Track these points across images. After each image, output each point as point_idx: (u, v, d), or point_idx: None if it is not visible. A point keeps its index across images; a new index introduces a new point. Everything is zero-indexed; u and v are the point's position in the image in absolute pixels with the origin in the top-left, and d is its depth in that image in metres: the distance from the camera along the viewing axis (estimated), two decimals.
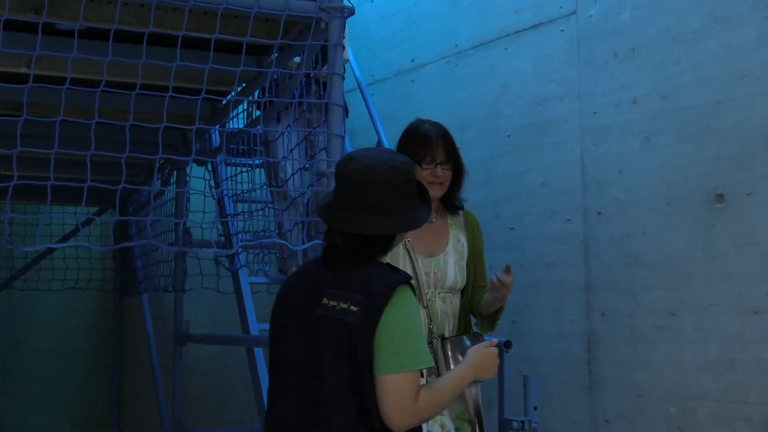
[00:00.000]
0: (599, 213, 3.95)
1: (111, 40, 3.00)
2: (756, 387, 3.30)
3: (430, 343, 2.86)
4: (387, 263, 2.33)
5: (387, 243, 2.32)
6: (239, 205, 4.72)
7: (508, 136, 4.47)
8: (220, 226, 4.66)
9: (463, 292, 3.05)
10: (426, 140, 2.97)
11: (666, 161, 3.68)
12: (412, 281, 2.36)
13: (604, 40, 3.99)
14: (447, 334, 2.95)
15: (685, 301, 3.55)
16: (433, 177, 2.94)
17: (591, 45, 4.06)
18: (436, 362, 2.86)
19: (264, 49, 3.63)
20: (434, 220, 3.03)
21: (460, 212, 3.12)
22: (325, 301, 2.24)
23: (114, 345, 7.22)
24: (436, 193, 2.95)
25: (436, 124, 3.03)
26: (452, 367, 2.77)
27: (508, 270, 2.87)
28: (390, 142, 4.64)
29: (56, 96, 3.08)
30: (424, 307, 2.92)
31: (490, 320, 3.07)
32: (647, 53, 3.79)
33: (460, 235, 3.07)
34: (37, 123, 3.01)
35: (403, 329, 2.19)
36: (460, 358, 2.79)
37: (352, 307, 2.19)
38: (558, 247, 4.14)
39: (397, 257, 2.91)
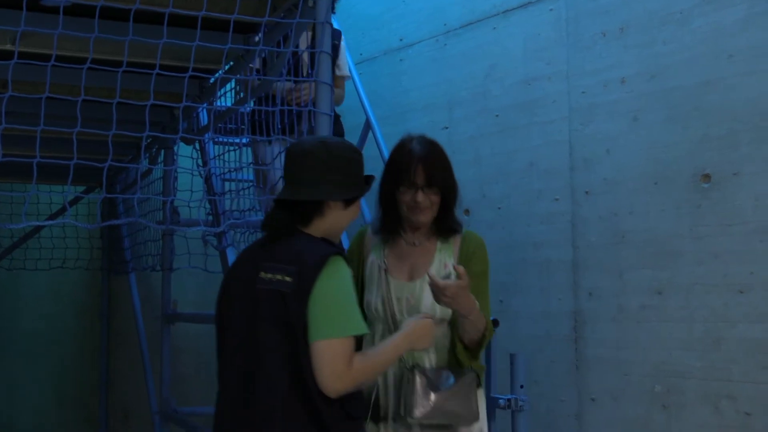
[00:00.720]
0: (587, 192, 3.96)
1: (97, 17, 2.98)
2: (740, 365, 3.33)
3: (402, 376, 2.67)
4: (322, 238, 2.45)
5: (308, 212, 2.44)
6: (227, 183, 4.70)
7: (497, 115, 4.47)
8: (207, 205, 4.65)
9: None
10: (406, 161, 2.70)
11: (653, 141, 3.69)
12: (379, 306, 2.65)
13: (592, 20, 3.99)
14: (428, 365, 2.69)
15: (671, 280, 3.57)
16: (413, 202, 2.69)
17: (579, 24, 4.06)
18: (400, 393, 2.67)
19: (251, 27, 3.61)
20: (417, 243, 2.79)
21: (459, 236, 2.81)
22: (262, 275, 2.37)
23: (101, 324, 7.22)
24: (419, 218, 2.72)
25: (424, 142, 2.74)
26: (417, 402, 2.61)
27: (460, 275, 2.55)
28: (378, 121, 4.64)
29: (41, 73, 3.05)
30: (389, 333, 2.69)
31: (470, 349, 2.72)
32: (636, 33, 3.79)
33: (448, 261, 2.76)
34: (22, 101, 2.99)
35: (335, 297, 2.31)
36: (431, 397, 2.62)
37: (287, 278, 2.32)
38: (545, 226, 4.16)
39: (372, 278, 2.77)
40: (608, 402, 3.79)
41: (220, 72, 3.95)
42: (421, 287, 2.69)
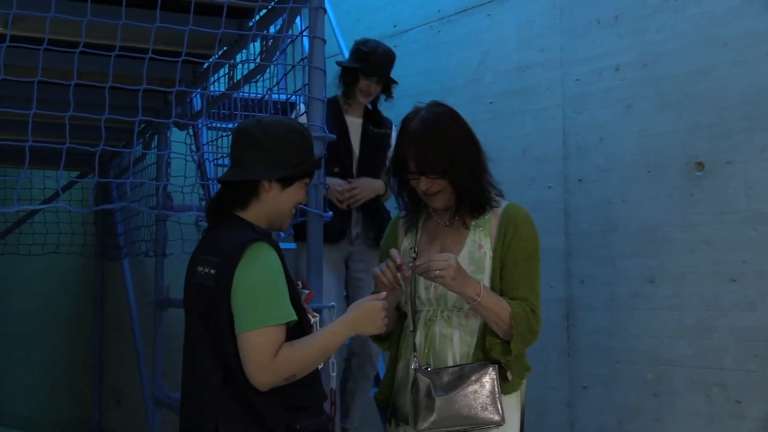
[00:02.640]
0: (580, 180, 3.96)
1: (89, 1, 2.96)
2: (731, 353, 3.34)
3: (415, 380, 2.38)
4: (251, 223, 2.35)
5: (243, 195, 2.35)
6: (220, 169, 4.69)
7: (490, 102, 4.47)
8: (200, 190, 4.64)
9: None
10: (401, 147, 2.46)
11: (646, 129, 3.69)
12: (405, 299, 2.44)
13: (586, 7, 3.99)
14: (452, 363, 2.42)
15: (663, 268, 3.58)
16: (419, 189, 2.47)
17: (573, 12, 4.05)
18: (394, 400, 2.50)
19: (245, 12, 3.60)
20: (449, 222, 2.54)
21: (497, 210, 2.52)
22: (198, 268, 2.33)
23: (95, 310, 7.21)
24: (434, 205, 2.51)
25: (426, 120, 2.44)
26: (420, 412, 2.37)
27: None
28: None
29: (34, 57, 3.05)
30: (411, 330, 2.48)
31: (503, 342, 2.40)
32: (629, 21, 3.79)
33: (483, 241, 2.47)
34: (14, 84, 2.98)
35: (256, 285, 2.22)
36: (436, 403, 2.36)
37: (211, 270, 2.27)
38: (538, 214, 4.12)
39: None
40: (600, 390, 3.81)
41: (214, 57, 3.94)
42: None
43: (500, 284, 2.43)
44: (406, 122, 2.49)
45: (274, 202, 2.38)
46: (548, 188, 4.10)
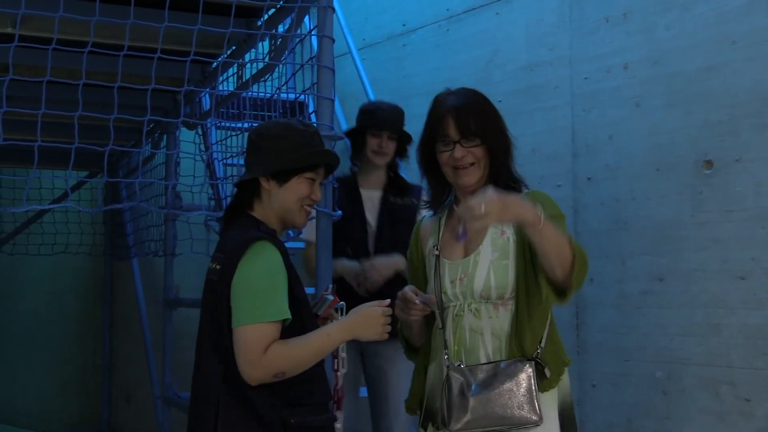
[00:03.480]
0: (589, 179, 3.96)
1: (98, 0, 2.98)
2: (740, 351, 3.34)
3: (447, 376, 2.30)
4: (258, 221, 2.41)
5: (247, 196, 2.44)
6: (229, 168, 4.71)
7: (499, 101, 4.42)
8: (210, 190, 4.66)
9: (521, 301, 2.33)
10: (436, 114, 2.40)
11: (655, 127, 3.69)
12: (433, 296, 2.38)
13: (595, 5, 3.99)
14: (484, 359, 2.32)
15: (672, 266, 3.58)
16: (452, 161, 2.36)
17: (582, 10, 4.05)
18: (429, 404, 2.41)
19: (254, 11, 3.61)
20: None
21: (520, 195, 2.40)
22: (210, 265, 2.42)
23: (104, 309, 7.24)
24: (464, 180, 2.38)
25: (461, 92, 2.42)
26: (453, 411, 2.28)
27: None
28: None
29: (42, 57, 3.06)
30: (440, 328, 2.40)
31: (561, 280, 2.26)
32: (638, 18, 3.78)
33: (506, 226, 2.38)
34: (23, 84, 3.00)
35: (255, 281, 2.26)
36: (470, 402, 2.25)
37: (217, 266, 2.35)
38: None
39: (430, 268, 2.48)
40: (609, 388, 3.81)
41: (222, 56, 3.96)
42: (474, 262, 2.36)
43: (534, 260, 2.29)
44: (439, 97, 2.45)
45: (276, 200, 2.43)
46: (557, 186, 4.10)
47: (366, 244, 3.61)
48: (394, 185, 3.74)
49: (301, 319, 2.34)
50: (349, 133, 3.78)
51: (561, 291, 2.26)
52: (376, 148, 3.65)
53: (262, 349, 2.21)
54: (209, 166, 4.70)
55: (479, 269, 2.36)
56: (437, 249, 2.47)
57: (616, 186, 3.83)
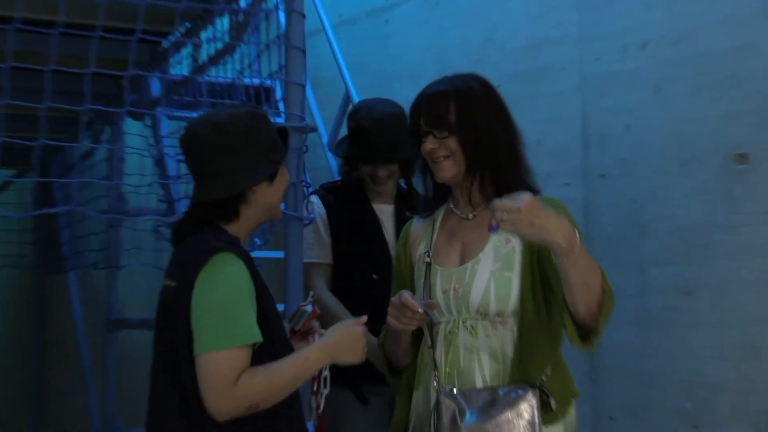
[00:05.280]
0: (602, 175, 3.97)
1: None
2: None
3: (437, 402, 2.31)
4: (221, 230, 2.38)
5: (231, 207, 2.38)
6: (183, 165, 4.68)
7: (497, 86, 4.44)
8: (160, 191, 4.63)
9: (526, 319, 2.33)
10: (413, 102, 2.48)
11: (679, 115, 3.69)
12: (435, 301, 2.37)
13: None
14: (481, 385, 2.33)
15: (701, 277, 3.58)
16: (426, 153, 2.43)
17: None
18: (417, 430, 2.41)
19: None
20: (471, 215, 2.49)
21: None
22: (164, 281, 2.38)
23: (33, 332, 7.17)
24: (438, 174, 2.44)
25: (451, 78, 2.49)
26: None
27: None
28: (361, 92, 4.63)
29: None
30: (430, 346, 2.42)
31: (585, 323, 2.26)
32: None
33: (511, 234, 2.34)
34: None
35: (217, 300, 2.23)
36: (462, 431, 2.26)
37: (172, 283, 2.31)
38: None
39: (420, 275, 2.50)
40: (629, 420, 3.81)
41: (175, 35, 3.93)
42: (473, 271, 2.36)
43: (551, 279, 2.30)
44: (431, 84, 2.51)
45: (265, 200, 2.43)
46: (565, 185, 4.10)
47: (389, 263, 3.28)
48: (407, 198, 3.60)
49: (272, 340, 2.32)
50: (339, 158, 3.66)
51: (583, 333, 2.28)
52: (370, 178, 3.53)
53: (232, 378, 2.17)
54: (159, 162, 4.67)
55: (477, 279, 2.36)
56: (429, 255, 2.47)
57: (634, 184, 3.84)
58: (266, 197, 2.44)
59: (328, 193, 3.59)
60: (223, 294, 2.24)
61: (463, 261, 2.42)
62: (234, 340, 2.20)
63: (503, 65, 4.44)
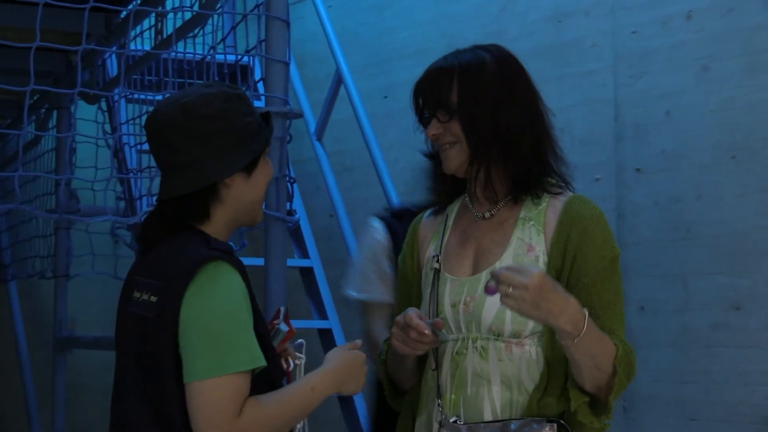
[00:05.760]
0: (638, 170, 3.96)
1: None
2: None
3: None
4: (207, 235, 2.33)
5: (200, 204, 2.34)
6: (144, 157, 4.68)
7: None
8: (119, 186, 4.63)
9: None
10: (416, 83, 2.43)
11: (730, 100, 3.69)
12: (441, 319, 2.30)
13: None
14: (490, 416, 2.30)
15: (754, 290, 3.58)
16: (432, 139, 2.41)
17: None
18: None
19: None
20: (488, 213, 2.43)
21: (560, 199, 2.39)
22: (135, 294, 2.31)
23: None
24: (446, 164, 2.41)
25: (463, 51, 2.43)
26: None
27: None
28: (355, 71, 4.62)
29: None
30: (434, 369, 2.39)
31: (594, 399, 2.27)
32: None
33: (535, 240, 2.34)
34: None
35: (213, 319, 2.20)
36: None
37: (152, 297, 2.26)
38: None
39: (427, 283, 2.45)
40: None
41: (135, 3, 3.93)
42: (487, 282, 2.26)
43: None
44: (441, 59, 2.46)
45: (242, 197, 2.37)
46: (595, 181, 4.10)
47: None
48: None
49: (268, 360, 2.32)
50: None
51: (593, 403, 2.29)
52: None
53: (234, 410, 2.15)
54: (117, 153, 4.67)
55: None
56: (438, 260, 2.44)
57: (676, 181, 3.83)
58: (244, 193, 2.37)
59: (396, 220, 3.52)
60: (220, 312, 2.21)
61: (476, 269, 2.38)
62: (236, 364, 2.17)
63: (523, 41, 4.44)
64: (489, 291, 2.12)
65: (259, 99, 3.99)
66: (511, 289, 2.06)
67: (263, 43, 3.35)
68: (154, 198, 4.43)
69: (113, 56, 4.65)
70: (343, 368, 2.34)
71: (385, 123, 4.83)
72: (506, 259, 2.32)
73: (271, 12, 3.31)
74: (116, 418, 2.37)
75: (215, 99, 2.37)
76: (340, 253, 4.78)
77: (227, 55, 4.22)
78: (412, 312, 2.29)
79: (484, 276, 2.32)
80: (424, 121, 2.42)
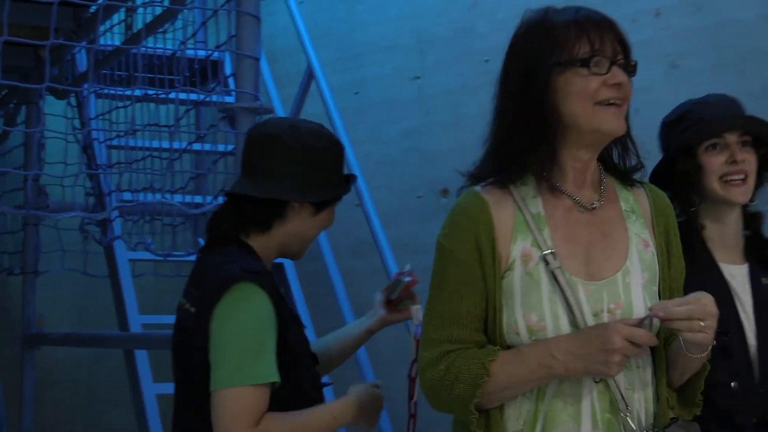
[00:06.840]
0: None
1: None
2: None
3: None
4: (250, 250, 2.44)
5: (265, 213, 2.46)
6: (114, 152, 4.68)
7: (486, 61, 4.48)
8: (88, 182, 4.62)
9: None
10: (584, 25, 2.16)
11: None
12: (561, 326, 2.06)
13: None
14: (636, 427, 2.08)
15: None
16: (609, 91, 2.15)
17: None
18: None
19: None
20: (592, 204, 2.17)
21: (637, 186, 2.27)
22: (182, 301, 2.46)
23: None
24: (617, 123, 2.20)
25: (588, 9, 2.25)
26: None
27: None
28: (326, 66, 4.63)
29: None
30: (597, 381, 2.07)
31: (686, 395, 2.20)
32: None
33: (645, 233, 2.18)
34: None
35: (236, 333, 2.30)
36: None
37: (191, 308, 2.39)
38: None
39: (539, 285, 2.07)
40: None
41: None
42: (626, 285, 2.10)
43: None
44: (559, 11, 2.19)
45: (300, 227, 2.51)
46: None
47: (752, 369, 2.68)
48: (761, 248, 2.83)
49: (300, 376, 2.40)
50: (665, 166, 3.02)
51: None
52: (726, 169, 2.77)
53: (250, 421, 2.24)
54: (87, 149, 4.66)
55: (635, 296, 2.10)
56: (555, 257, 2.10)
57: (645, 177, 3.84)
58: (303, 225, 2.51)
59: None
60: (243, 328, 2.31)
61: (599, 272, 2.12)
62: (253, 377, 2.26)
63: (493, 37, 4.44)
64: (646, 320, 1.98)
65: (229, 94, 4.00)
66: (700, 324, 1.92)
67: (234, 39, 3.36)
68: (125, 194, 4.45)
69: (83, 51, 4.64)
70: (368, 404, 2.46)
71: (356, 118, 4.84)
72: (633, 256, 2.13)
73: (241, 7, 3.32)
74: (173, 417, 2.49)
75: (325, 135, 2.55)
76: (311, 247, 4.78)
77: (198, 51, 4.22)
78: (620, 325, 2.01)
79: (620, 277, 2.11)
80: (600, 63, 2.15)
